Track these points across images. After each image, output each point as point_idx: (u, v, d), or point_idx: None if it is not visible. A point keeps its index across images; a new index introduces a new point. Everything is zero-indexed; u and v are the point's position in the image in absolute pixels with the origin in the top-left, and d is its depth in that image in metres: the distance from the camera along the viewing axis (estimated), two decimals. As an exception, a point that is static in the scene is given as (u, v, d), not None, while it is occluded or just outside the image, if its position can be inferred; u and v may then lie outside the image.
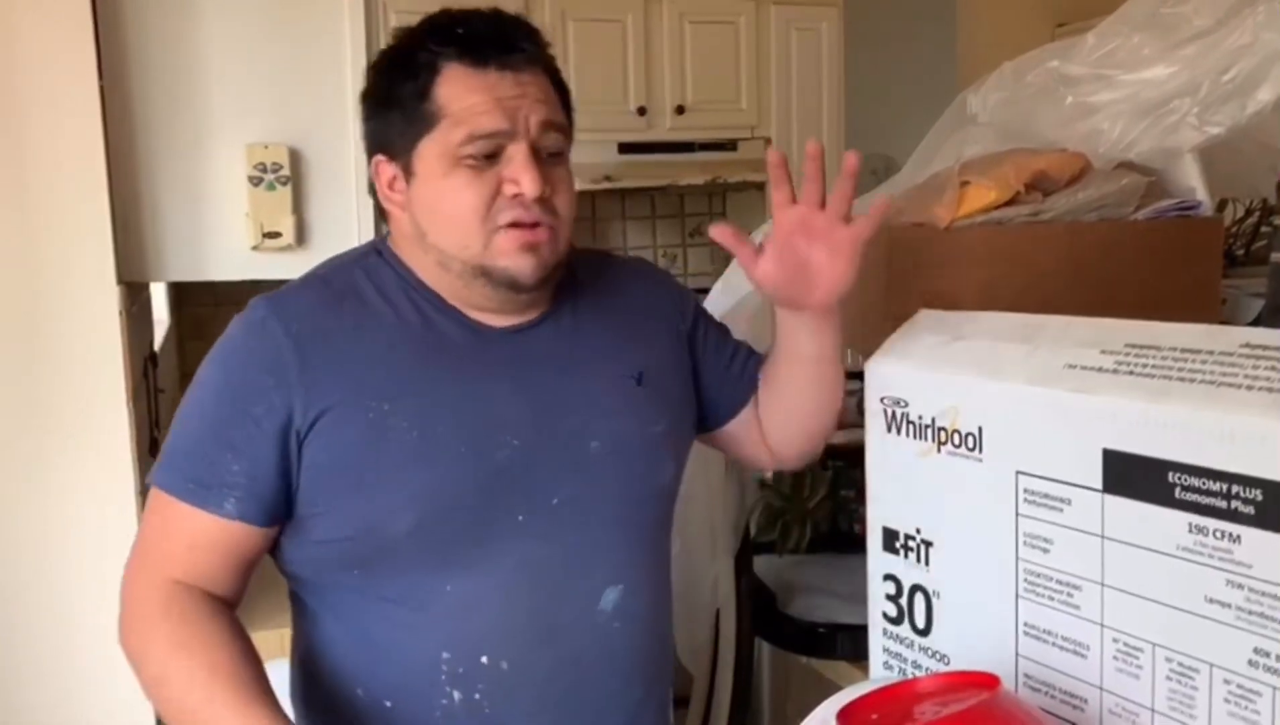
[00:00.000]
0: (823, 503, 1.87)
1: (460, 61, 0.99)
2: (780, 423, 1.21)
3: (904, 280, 1.16)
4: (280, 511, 1.02)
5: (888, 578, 1.09)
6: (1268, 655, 0.75)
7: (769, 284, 1.07)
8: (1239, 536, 0.76)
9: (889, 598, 1.09)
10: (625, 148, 3.07)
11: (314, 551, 1.04)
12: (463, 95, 0.99)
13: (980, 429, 0.96)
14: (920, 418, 1.02)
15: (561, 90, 1.06)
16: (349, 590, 1.04)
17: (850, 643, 1.56)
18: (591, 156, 3.03)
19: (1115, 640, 0.86)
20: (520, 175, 0.99)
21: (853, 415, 1.65)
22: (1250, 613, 0.76)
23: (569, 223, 1.05)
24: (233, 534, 1.01)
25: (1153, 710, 0.84)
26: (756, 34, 3.21)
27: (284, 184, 1.57)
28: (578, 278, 1.13)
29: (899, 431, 1.05)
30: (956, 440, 0.98)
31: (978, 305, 1.13)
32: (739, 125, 3.23)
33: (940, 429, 1.00)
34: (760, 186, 3.30)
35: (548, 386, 1.06)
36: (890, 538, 1.08)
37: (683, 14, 3.12)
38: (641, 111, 3.10)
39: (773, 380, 1.19)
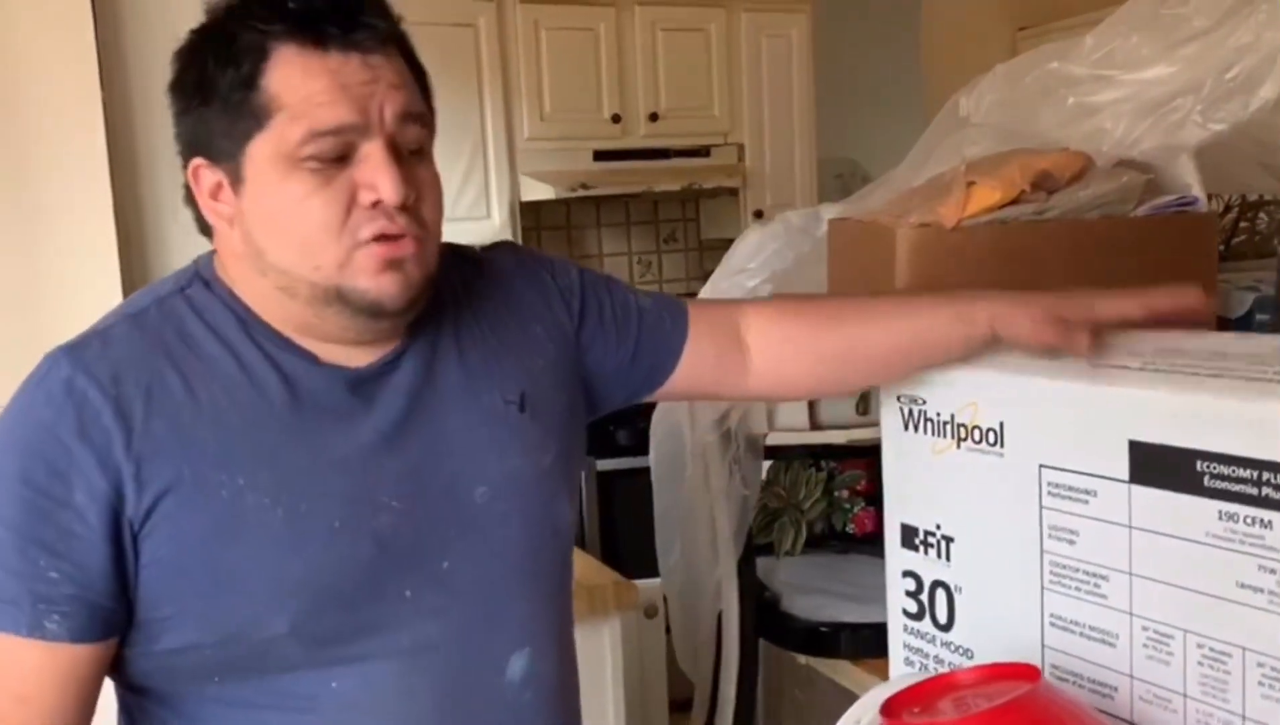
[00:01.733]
0: (817, 503, 1.89)
1: (293, 42, 0.80)
2: (846, 367, 1.06)
3: (913, 279, 1.17)
4: (120, 619, 0.82)
5: (907, 574, 1.10)
6: (1301, 637, 0.77)
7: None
8: (1270, 522, 0.78)
9: (909, 594, 1.10)
10: (600, 155, 3.09)
11: (161, 660, 0.85)
12: (299, 83, 0.80)
13: (1001, 424, 0.97)
14: (939, 415, 1.03)
15: (419, 73, 0.88)
16: (209, 700, 0.86)
17: (852, 641, 1.57)
18: (567, 164, 3.05)
19: (1145, 628, 0.88)
20: (378, 178, 0.81)
21: (848, 416, 1.67)
22: (1283, 596, 0.78)
23: (438, 233, 0.88)
24: (64, 660, 0.80)
25: (1185, 695, 0.85)
26: (728, 41, 3.25)
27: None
28: (443, 290, 0.94)
29: (916, 429, 1.06)
30: (977, 436, 1.00)
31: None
32: (712, 131, 3.26)
33: (960, 425, 1.01)
34: (733, 192, 3.33)
35: (421, 430, 0.89)
36: (909, 534, 1.09)
37: (655, 22, 3.14)
38: (616, 119, 3.11)
39: (903, 335, 1.02)
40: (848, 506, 1.91)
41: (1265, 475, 0.78)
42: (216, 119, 0.83)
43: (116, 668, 0.86)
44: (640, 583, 1.91)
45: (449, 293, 0.95)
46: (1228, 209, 1.73)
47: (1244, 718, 0.81)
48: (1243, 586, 0.80)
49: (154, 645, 0.84)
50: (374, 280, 0.83)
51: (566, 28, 3.04)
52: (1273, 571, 0.78)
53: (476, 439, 0.92)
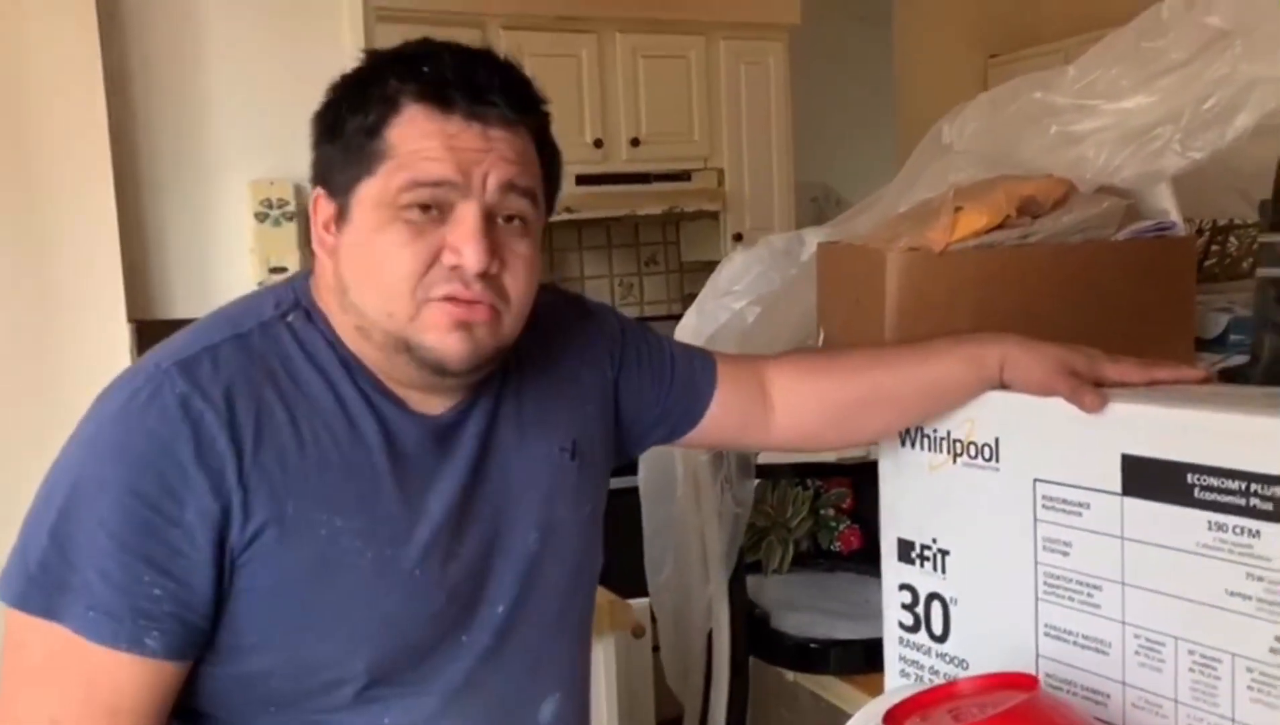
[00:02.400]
0: (804, 522, 1.91)
1: (421, 102, 0.84)
2: (874, 419, 1.09)
3: (904, 301, 1.20)
4: (207, 641, 0.84)
5: (904, 587, 1.13)
6: (1288, 642, 0.80)
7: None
8: (1258, 532, 0.81)
9: (905, 606, 1.13)
10: (582, 179, 3.12)
11: (228, 684, 0.86)
12: (415, 138, 0.83)
13: (996, 440, 1.01)
14: (935, 431, 1.07)
15: (549, 156, 0.91)
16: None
17: (842, 657, 1.59)
18: (550, 188, 3.08)
19: (1137, 636, 0.91)
20: (464, 243, 0.83)
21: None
22: (1270, 603, 0.81)
23: (521, 309, 0.88)
24: (157, 676, 0.80)
25: (1176, 701, 0.88)
26: (707, 68, 3.30)
27: (289, 219, 1.57)
28: None
29: (913, 445, 1.09)
30: (973, 452, 1.03)
31: (973, 323, 1.19)
32: (692, 156, 3.30)
33: (956, 441, 1.05)
34: (714, 215, 3.37)
35: (488, 480, 0.92)
36: (906, 548, 1.12)
37: (635, 49, 3.19)
38: (598, 144, 3.15)
39: (922, 384, 1.05)
40: (833, 524, 1.94)
41: (1253, 486, 0.81)
42: (339, 157, 0.87)
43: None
44: (630, 602, 1.92)
45: (521, 339, 0.95)
46: (1199, 232, 1.79)
47: (1234, 721, 0.84)
48: (1232, 594, 0.84)
49: (227, 668, 0.85)
50: (440, 338, 0.84)
51: (549, 54, 3.08)
52: (1260, 579, 0.82)
53: (534, 486, 0.95)
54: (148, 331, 1.55)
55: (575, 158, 3.12)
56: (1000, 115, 1.32)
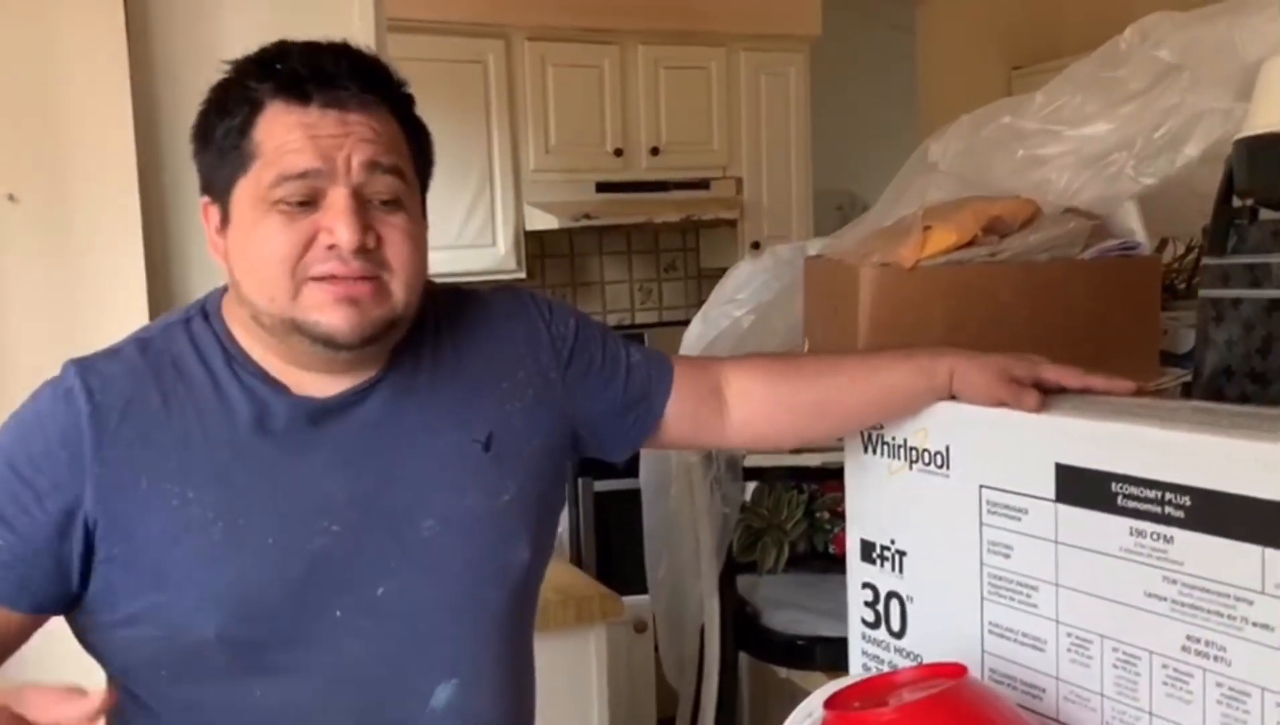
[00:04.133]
0: (798, 524, 1.98)
1: (279, 99, 0.89)
2: (831, 422, 1.14)
3: (876, 313, 1.27)
4: (49, 602, 0.91)
5: (866, 586, 1.19)
6: (1198, 641, 0.86)
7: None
8: (1172, 537, 0.87)
9: (867, 604, 1.20)
10: (603, 187, 3.20)
11: (120, 646, 0.94)
12: (278, 133, 0.89)
13: (947, 448, 1.07)
14: (894, 438, 1.13)
15: (415, 132, 0.96)
16: (158, 694, 0.94)
17: (828, 654, 1.66)
18: (571, 195, 3.16)
19: (1069, 634, 0.97)
20: (336, 222, 0.88)
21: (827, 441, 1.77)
22: (1183, 604, 0.87)
23: (408, 276, 0.92)
24: None
25: (1102, 695, 0.94)
26: (727, 78, 3.36)
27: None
28: (428, 326, 1.01)
29: (875, 452, 1.16)
30: (926, 458, 1.09)
31: (943, 337, 1.25)
32: (711, 165, 3.37)
33: (912, 448, 1.11)
34: (731, 223, 3.44)
35: (377, 461, 0.95)
36: (868, 549, 1.18)
37: (657, 60, 3.26)
38: (618, 152, 3.23)
39: (865, 390, 1.10)
40: (828, 527, 2.00)
41: (1167, 495, 0.87)
42: (215, 161, 0.93)
43: (89, 645, 0.96)
44: (633, 599, 2.00)
45: (431, 330, 1.01)
46: (1188, 250, 1.83)
47: (1151, 714, 0.90)
48: (1149, 596, 0.89)
49: (117, 632, 0.93)
50: (324, 314, 0.89)
51: (572, 65, 3.16)
52: (1174, 582, 0.88)
53: (432, 475, 0.97)
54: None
55: (596, 165, 3.20)
56: (977, 137, 1.38)
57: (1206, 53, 1.03)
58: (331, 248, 0.88)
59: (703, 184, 3.33)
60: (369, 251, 0.90)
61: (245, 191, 0.90)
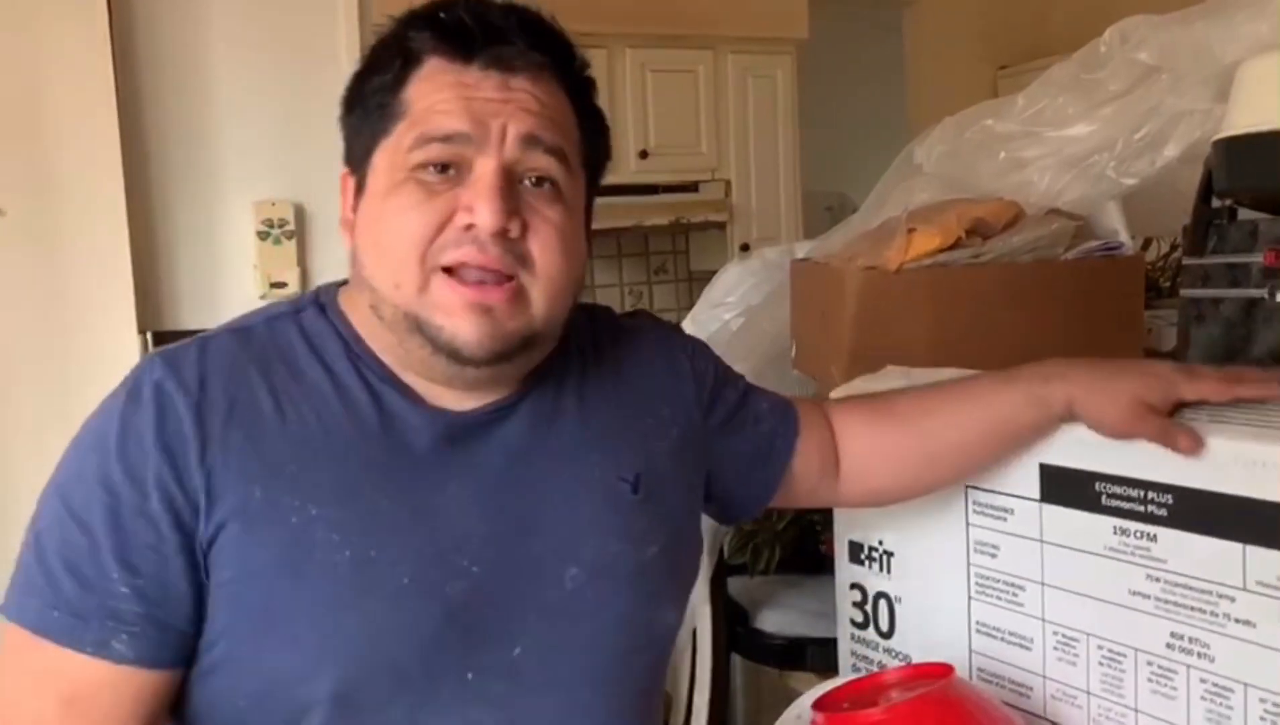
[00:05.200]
0: (790, 526, 1.98)
1: (438, 54, 0.77)
2: (937, 470, 0.99)
3: (862, 316, 1.28)
4: (189, 644, 0.75)
5: (854, 586, 1.20)
6: (1182, 638, 0.87)
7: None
8: (1155, 535, 0.88)
9: (855, 604, 1.20)
10: (592, 191, 3.20)
11: (200, 703, 0.76)
12: (430, 92, 0.76)
13: (933, 449, 1.07)
14: (879, 440, 1.13)
15: (587, 115, 0.83)
16: None
17: (819, 655, 1.66)
18: (559, 200, 3.16)
19: (1055, 633, 0.97)
20: (477, 199, 0.74)
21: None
22: (1166, 602, 0.88)
23: (553, 282, 0.77)
24: (127, 683, 0.72)
25: (1088, 693, 0.95)
26: (715, 81, 3.37)
27: (289, 238, 1.68)
28: (571, 344, 0.87)
29: (861, 454, 1.16)
30: (912, 460, 1.10)
31: (927, 337, 1.26)
32: (700, 168, 3.38)
33: (897, 450, 1.12)
34: (721, 226, 3.45)
35: (519, 495, 0.80)
36: (856, 550, 1.19)
37: (644, 64, 3.27)
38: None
39: (980, 430, 0.95)
40: (819, 529, 2.01)
41: (1150, 494, 0.88)
42: (358, 125, 0.80)
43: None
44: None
45: (577, 350, 0.87)
46: (1173, 248, 1.85)
47: (1136, 711, 0.91)
48: (1134, 594, 0.90)
49: (200, 686, 0.77)
50: (451, 318, 0.75)
51: (559, 69, 3.16)
52: (1158, 580, 0.88)
53: (578, 515, 0.82)
54: (160, 341, 1.66)
55: (584, 169, 3.21)
56: (960, 140, 1.39)
57: (1185, 55, 1.04)
58: (468, 229, 0.74)
59: (691, 187, 3.34)
60: (510, 241, 0.75)
61: (384, 156, 0.77)
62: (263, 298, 1.70)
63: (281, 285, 1.69)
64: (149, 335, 1.56)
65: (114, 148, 1.45)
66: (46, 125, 1.42)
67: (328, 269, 1.75)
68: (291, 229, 1.69)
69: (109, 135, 1.44)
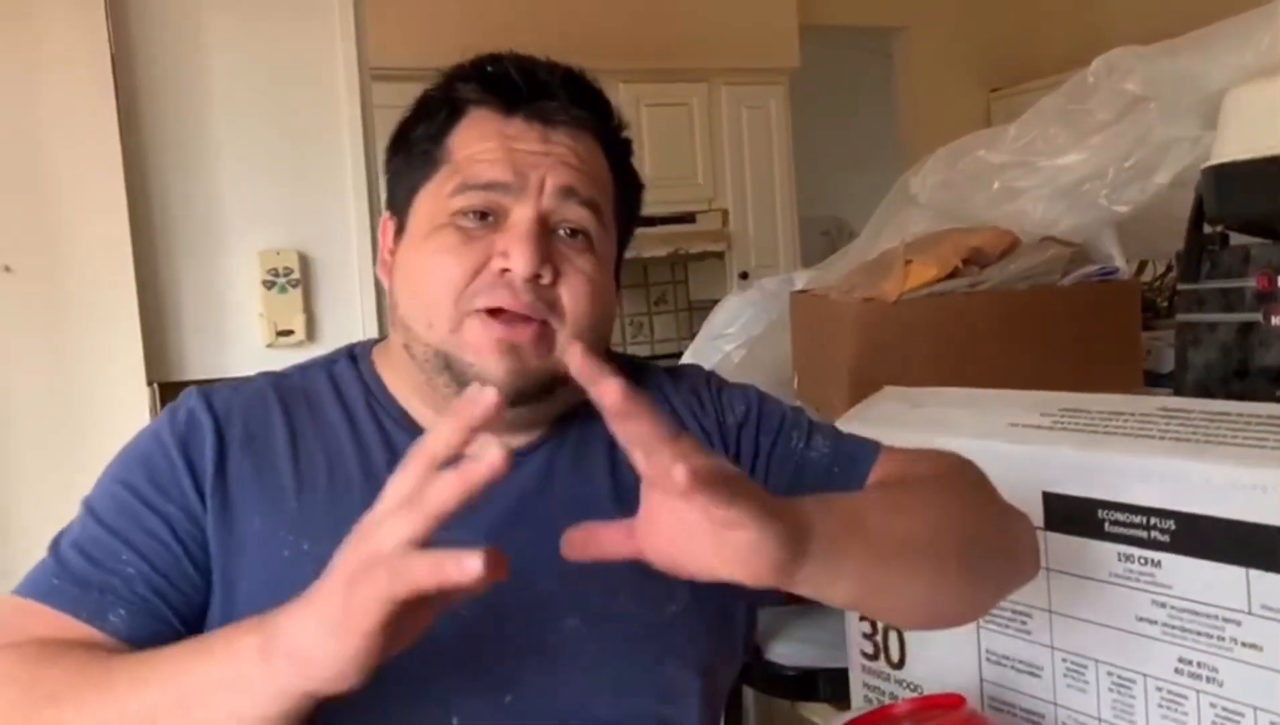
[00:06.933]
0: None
1: (484, 106, 0.81)
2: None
3: (861, 348, 1.29)
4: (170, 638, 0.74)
5: (864, 618, 1.20)
6: (1190, 663, 0.87)
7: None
8: (1159, 561, 0.89)
9: (865, 636, 1.21)
10: (589, 224, 3.23)
11: None
12: (473, 141, 0.80)
13: (937, 479, 1.08)
14: (884, 472, 1.14)
15: (623, 179, 0.86)
16: None
17: (831, 685, 1.66)
18: (558, 234, 3.19)
19: (1064, 660, 0.98)
20: (512, 245, 0.77)
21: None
22: (1173, 627, 0.88)
23: (581, 329, 0.79)
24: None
25: (1099, 719, 0.95)
26: (709, 113, 3.41)
27: (294, 286, 1.71)
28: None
29: (866, 485, 1.17)
30: (917, 490, 1.11)
31: (927, 366, 1.27)
32: (697, 198, 3.41)
33: (902, 481, 1.12)
34: (719, 255, 3.47)
35: (524, 534, 0.74)
36: (863, 581, 1.20)
37: (639, 98, 3.31)
38: (604, 190, 3.26)
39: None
40: (827, 557, 2.01)
41: (1153, 520, 0.89)
42: (402, 170, 0.84)
43: None
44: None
45: None
46: (1168, 269, 1.86)
47: (1148, 737, 0.91)
48: (1140, 619, 0.91)
49: None
50: (480, 357, 0.77)
51: (555, 106, 3.19)
52: (1163, 605, 0.89)
53: (585, 564, 0.72)
54: (167, 392, 1.68)
55: (582, 204, 3.24)
56: (953, 171, 1.41)
57: (1171, 84, 1.06)
58: (503, 274, 0.77)
59: (689, 217, 3.37)
60: (542, 287, 0.78)
61: (425, 201, 0.81)
62: (269, 346, 1.72)
63: (288, 333, 1.71)
64: (156, 386, 1.58)
65: (120, 201, 1.47)
66: (52, 185, 1.44)
67: (334, 315, 1.77)
68: (297, 277, 1.71)
69: (114, 190, 1.46)
